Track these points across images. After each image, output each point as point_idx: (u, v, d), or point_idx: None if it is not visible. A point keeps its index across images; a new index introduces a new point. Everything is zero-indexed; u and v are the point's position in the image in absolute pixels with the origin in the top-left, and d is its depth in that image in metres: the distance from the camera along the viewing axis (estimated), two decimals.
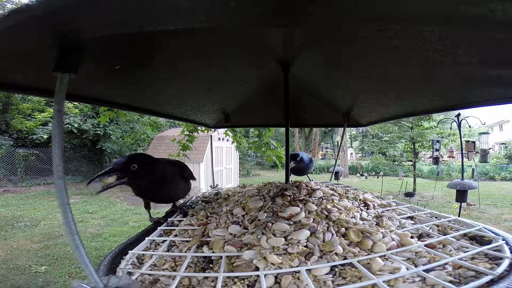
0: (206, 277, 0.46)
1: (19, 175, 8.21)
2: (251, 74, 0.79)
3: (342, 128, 1.40)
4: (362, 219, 0.61)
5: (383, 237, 0.52)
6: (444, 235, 0.58)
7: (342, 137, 1.76)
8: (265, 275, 0.44)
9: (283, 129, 1.00)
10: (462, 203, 1.82)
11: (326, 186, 0.79)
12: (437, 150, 7.62)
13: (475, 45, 0.44)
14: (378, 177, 10.33)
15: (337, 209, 0.62)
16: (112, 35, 0.36)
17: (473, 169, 8.15)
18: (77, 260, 0.34)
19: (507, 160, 11.80)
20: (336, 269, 0.46)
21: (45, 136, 8.43)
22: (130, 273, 0.49)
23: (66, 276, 3.07)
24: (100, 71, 0.54)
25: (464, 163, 2.12)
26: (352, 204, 0.67)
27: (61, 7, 0.25)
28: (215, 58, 0.61)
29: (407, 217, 0.68)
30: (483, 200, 6.57)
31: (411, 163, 8.55)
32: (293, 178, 1.04)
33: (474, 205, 6.34)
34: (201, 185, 6.30)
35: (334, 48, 0.58)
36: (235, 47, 0.56)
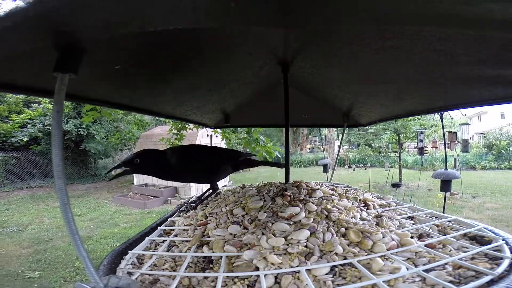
0: (206, 277, 0.46)
1: None
2: (251, 74, 0.79)
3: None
4: (362, 219, 0.61)
5: (383, 237, 0.52)
6: (444, 235, 0.58)
7: (343, 135, 1.77)
8: (265, 275, 0.44)
9: None
10: (446, 193, 1.82)
11: (326, 186, 0.79)
12: (421, 141, 7.70)
13: (474, 45, 0.44)
14: (365, 169, 10.30)
15: (337, 209, 0.62)
16: (111, 35, 0.36)
17: (455, 159, 8.23)
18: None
19: (486, 149, 12.06)
20: (336, 269, 0.46)
21: (25, 139, 7.95)
22: (130, 273, 0.49)
23: (61, 281, 3.02)
24: (100, 71, 0.54)
25: (446, 153, 2.12)
26: (352, 204, 0.67)
27: (56, 8, 0.25)
28: (215, 58, 0.61)
29: (407, 217, 0.68)
30: (465, 189, 6.63)
31: (396, 154, 8.61)
32: (292, 178, 1.03)
33: (458, 194, 6.39)
34: (191, 184, 6.21)
35: (334, 48, 0.58)
36: (235, 47, 0.56)
